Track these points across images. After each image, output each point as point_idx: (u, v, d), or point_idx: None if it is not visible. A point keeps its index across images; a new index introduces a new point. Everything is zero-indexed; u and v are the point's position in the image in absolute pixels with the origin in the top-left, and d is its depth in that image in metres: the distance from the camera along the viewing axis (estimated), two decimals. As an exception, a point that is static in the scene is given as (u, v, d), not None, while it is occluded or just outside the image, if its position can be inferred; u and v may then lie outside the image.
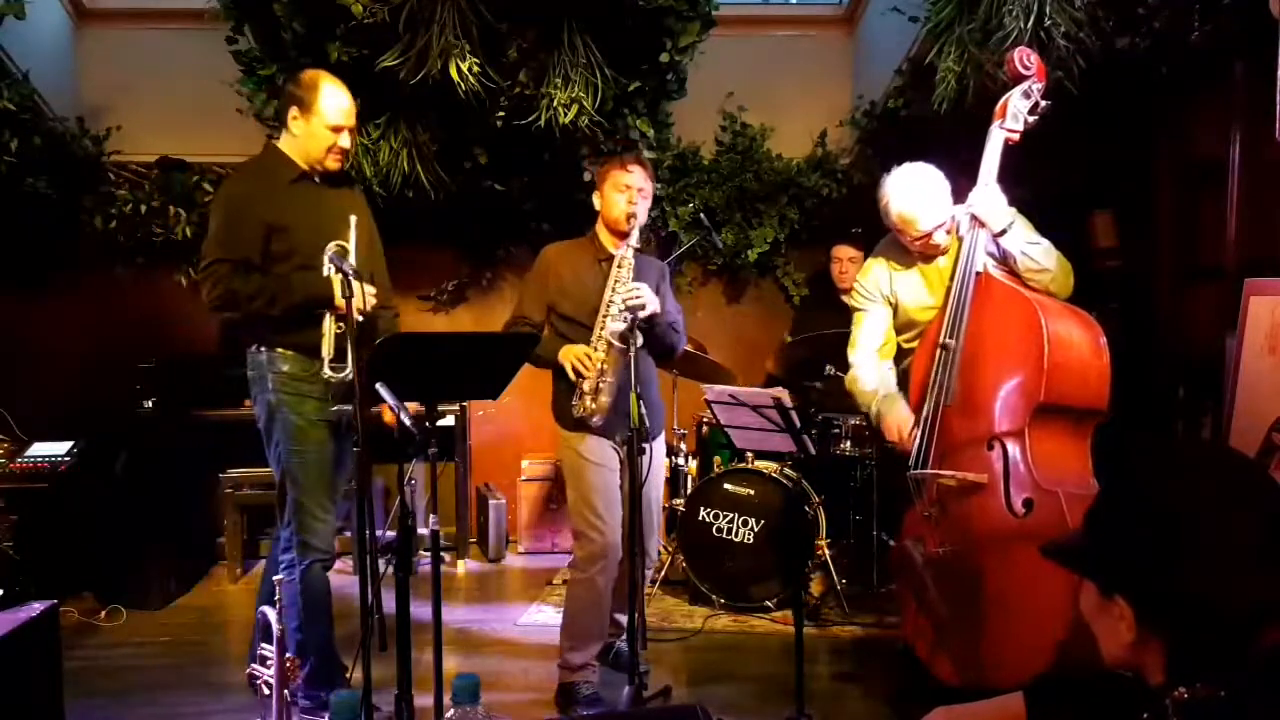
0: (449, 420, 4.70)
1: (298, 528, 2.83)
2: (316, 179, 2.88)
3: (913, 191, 2.80)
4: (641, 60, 4.02)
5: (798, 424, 2.78)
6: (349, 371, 2.68)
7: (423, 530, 4.08)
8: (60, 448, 4.01)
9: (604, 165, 3.19)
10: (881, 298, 3.02)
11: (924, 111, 4.12)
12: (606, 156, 3.27)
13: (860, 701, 3.15)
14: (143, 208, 4.89)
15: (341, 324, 2.74)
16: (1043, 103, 2.78)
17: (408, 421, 2.27)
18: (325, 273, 2.70)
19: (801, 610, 2.92)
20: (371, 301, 2.78)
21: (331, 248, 2.64)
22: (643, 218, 3.10)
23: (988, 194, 2.73)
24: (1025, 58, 2.77)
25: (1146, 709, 1.15)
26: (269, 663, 2.20)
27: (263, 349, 2.82)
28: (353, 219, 2.78)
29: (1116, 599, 1.17)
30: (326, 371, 2.74)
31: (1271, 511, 1.11)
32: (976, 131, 4.06)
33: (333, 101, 2.81)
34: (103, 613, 3.96)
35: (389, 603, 2.46)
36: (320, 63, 3.86)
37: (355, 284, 2.52)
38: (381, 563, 2.47)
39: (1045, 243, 2.72)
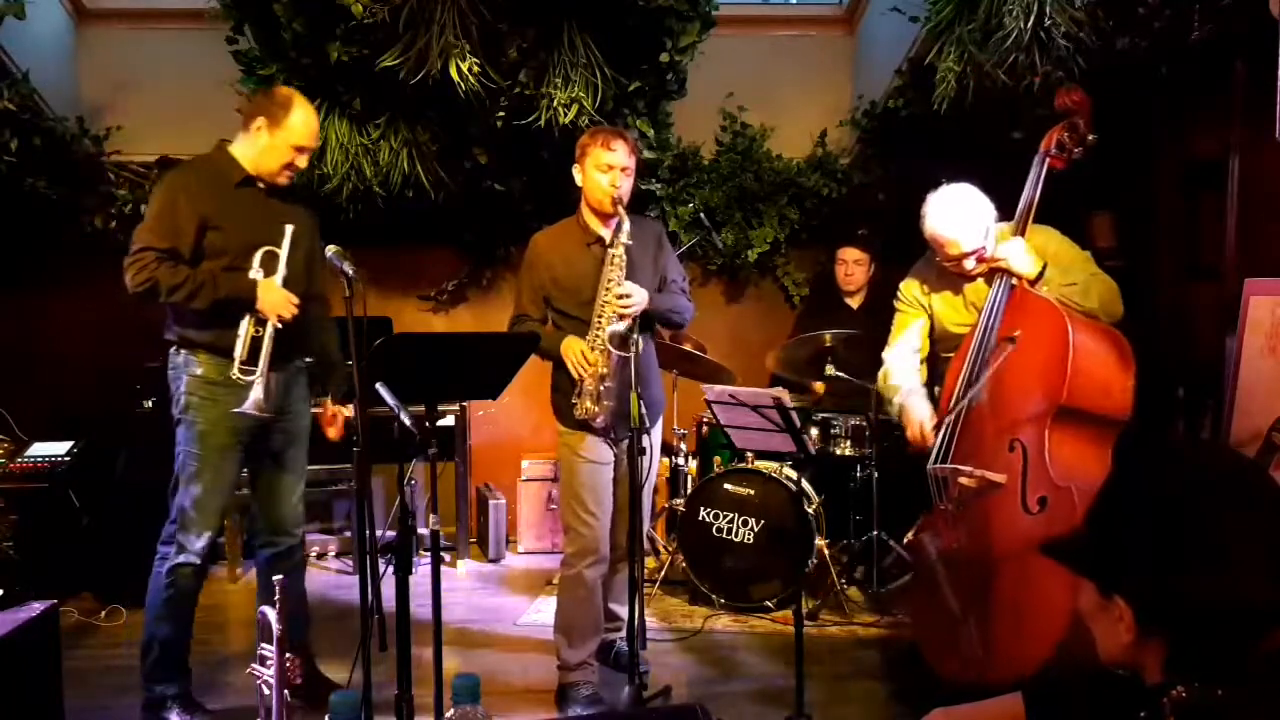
0: (449, 420, 4.70)
1: (179, 527, 2.87)
2: (262, 186, 2.90)
3: (947, 215, 2.85)
4: (641, 60, 4.02)
5: (798, 424, 2.79)
6: (257, 377, 2.73)
7: (423, 530, 4.09)
8: (60, 448, 4.01)
9: (584, 141, 3.02)
10: (918, 304, 3.13)
11: (924, 111, 4.12)
12: (588, 131, 3.08)
13: (860, 701, 3.15)
14: (143, 208, 4.87)
15: (260, 328, 2.77)
16: (1090, 136, 2.84)
17: (407, 421, 2.27)
18: (252, 275, 2.77)
19: (801, 610, 2.92)
20: (294, 311, 2.80)
21: (331, 249, 2.65)
22: (626, 197, 2.98)
23: (1013, 248, 2.76)
24: (1072, 95, 2.86)
25: (1143, 708, 1.15)
26: (269, 663, 2.20)
27: (181, 350, 2.86)
28: (288, 228, 2.81)
29: (1115, 599, 1.17)
30: (235, 374, 2.75)
31: (1272, 513, 1.11)
32: (976, 132, 4.08)
33: (303, 123, 2.84)
34: (103, 613, 3.96)
35: (389, 603, 2.46)
36: (320, 63, 3.87)
37: (356, 286, 2.53)
38: (381, 563, 2.47)
39: (1082, 280, 2.77)
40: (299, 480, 3.08)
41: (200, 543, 2.86)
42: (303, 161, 2.89)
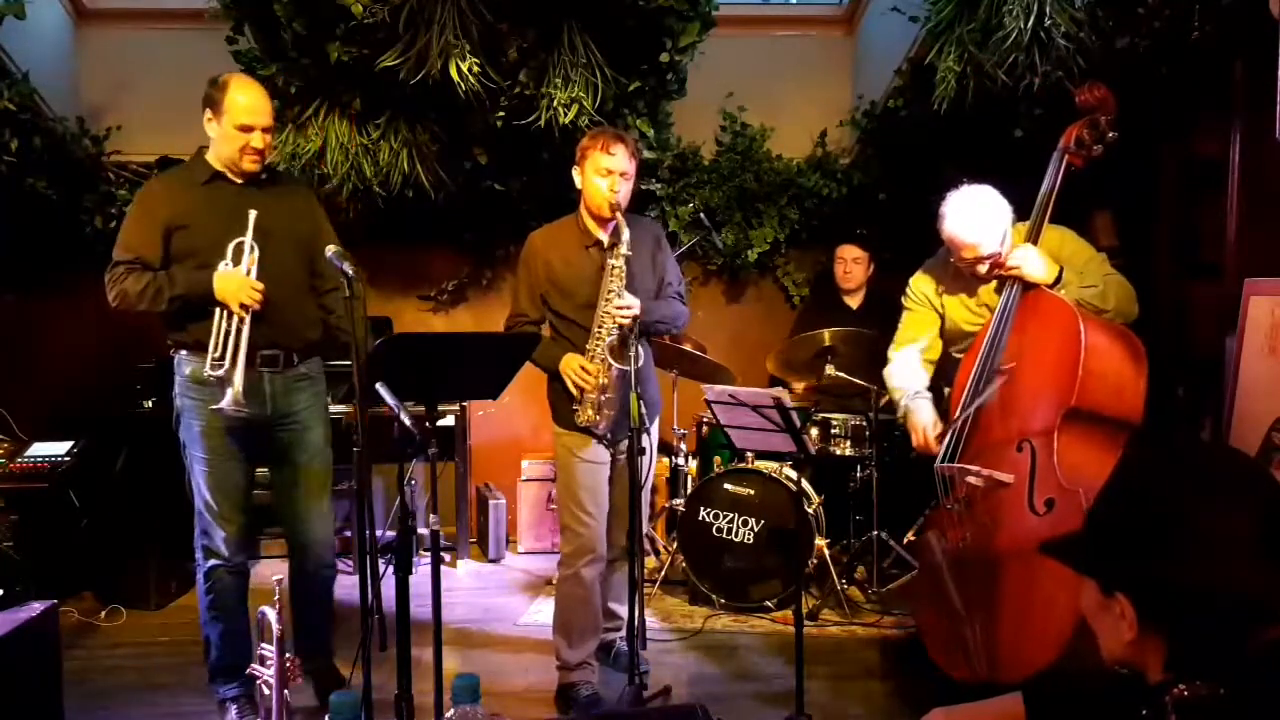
0: (449, 420, 4.70)
1: (200, 531, 2.87)
2: (238, 180, 2.86)
3: (967, 217, 2.83)
4: (641, 60, 4.02)
5: (798, 424, 2.79)
6: (228, 369, 2.69)
7: (423, 530, 4.09)
8: (60, 448, 4.00)
9: (585, 144, 3.00)
10: (929, 304, 3.11)
11: (924, 111, 4.12)
12: (589, 133, 3.07)
13: (860, 701, 3.14)
14: (139, 210, 4.88)
15: (230, 321, 2.74)
16: (1110, 134, 2.83)
17: (407, 421, 2.27)
18: (221, 269, 2.72)
19: (801, 610, 2.92)
20: (257, 297, 2.73)
21: (331, 249, 2.64)
22: (625, 201, 2.97)
23: (1027, 255, 2.74)
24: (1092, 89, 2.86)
25: (1146, 707, 1.15)
26: (269, 663, 2.20)
27: (173, 353, 2.87)
28: (251, 214, 2.75)
29: (1117, 597, 1.17)
30: (208, 370, 2.72)
31: (1270, 506, 1.11)
32: (976, 132, 4.08)
33: (241, 101, 2.77)
34: (103, 613, 3.96)
35: (389, 603, 2.46)
36: (320, 63, 3.87)
37: (356, 286, 2.53)
38: (381, 563, 2.47)
39: (1100, 283, 2.77)
40: (318, 497, 3.00)
41: (221, 544, 2.84)
42: (257, 140, 2.79)
